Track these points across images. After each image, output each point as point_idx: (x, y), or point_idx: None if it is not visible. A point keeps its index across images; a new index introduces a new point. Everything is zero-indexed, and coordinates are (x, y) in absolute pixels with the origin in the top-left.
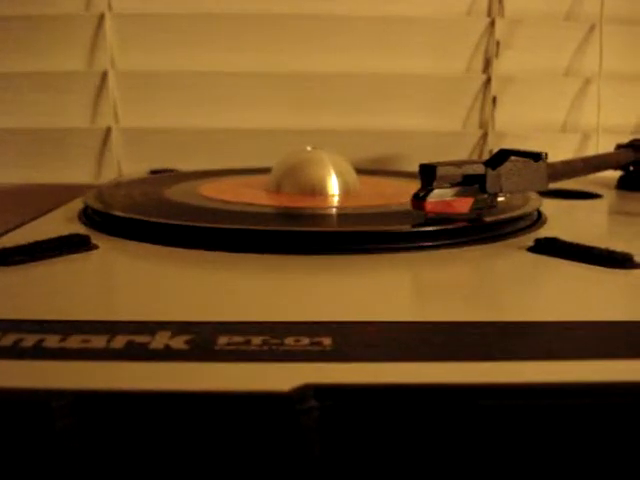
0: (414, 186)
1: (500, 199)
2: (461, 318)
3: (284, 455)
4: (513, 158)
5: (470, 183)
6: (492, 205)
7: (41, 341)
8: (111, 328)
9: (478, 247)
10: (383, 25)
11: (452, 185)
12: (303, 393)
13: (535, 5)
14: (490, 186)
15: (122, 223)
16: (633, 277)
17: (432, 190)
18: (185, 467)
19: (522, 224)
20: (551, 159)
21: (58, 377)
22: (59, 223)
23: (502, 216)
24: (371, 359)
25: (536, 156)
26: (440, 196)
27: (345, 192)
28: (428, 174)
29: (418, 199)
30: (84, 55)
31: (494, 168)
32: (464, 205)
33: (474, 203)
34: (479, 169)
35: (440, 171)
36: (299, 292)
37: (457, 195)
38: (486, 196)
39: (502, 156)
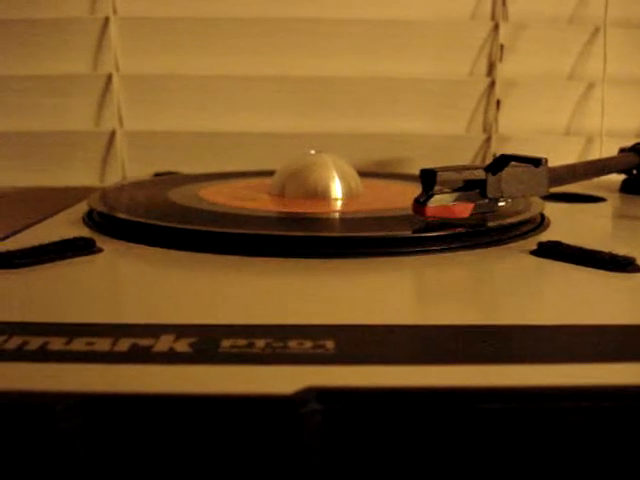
0: (417, 189)
1: (501, 204)
2: (464, 321)
3: (287, 458)
4: (513, 163)
5: (471, 188)
6: (492, 210)
7: (46, 344)
8: (115, 331)
9: (481, 251)
10: (387, 29)
11: (453, 190)
12: (306, 396)
13: (539, 8)
14: (491, 191)
15: (126, 226)
16: (635, 281)
17: (433, 195)
18: (188, 469)
19: (525, 228)
20: (554, 162)
21: (62, 380)
22: (64, 226)
23: (505, 220)
24: (374, 362)
25: (536, 162)
26: (441, 201)
27: (348, 195)
28: (429, 179)
29: (419, 204)
30: (89, 58)
31: (494, 173)
32: (465, 210)
33: (475, 208)
34: (480, 174)
35: (441, 176)
36: (302, 295)
37: (458, 200)
38: (487, 201)
39: (502, 161)
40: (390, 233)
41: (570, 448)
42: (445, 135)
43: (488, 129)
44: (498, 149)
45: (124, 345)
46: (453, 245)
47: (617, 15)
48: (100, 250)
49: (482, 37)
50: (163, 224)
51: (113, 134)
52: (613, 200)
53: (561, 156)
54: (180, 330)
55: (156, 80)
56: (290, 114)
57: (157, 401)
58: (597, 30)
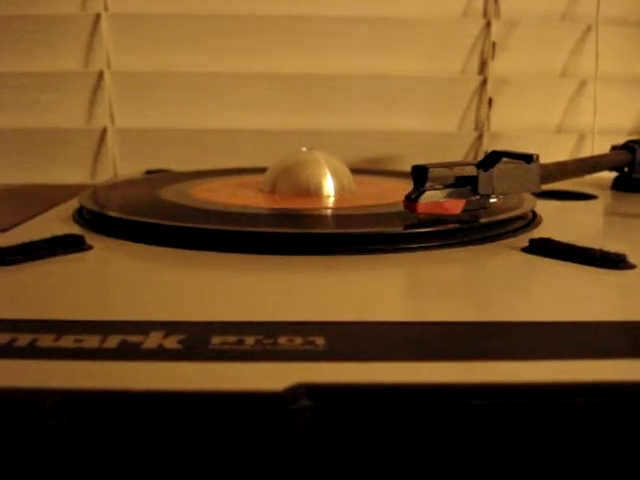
0: (409, 186)
1: (492, 200)
2: (454, 318)
3: (277, 455)
4: (505, 160)
5: (462, 185)
6: (484, 206)
7: (35, 340)
8: (104, 328)
9: (472, 247)
10: (379, 26)
11: (444, 186)
12: (296, 393)
13: (531, 6)
14: (482, 188)
15: (116, 223)
16: (626, 278)
17: (424, 191)
18: (178, 466)
19: (517, 225)
20: (546, 160)
21: (51, 376)
22: (54, 223)
23: (497, 217)
24: (364, 359)
25: (528, 158)
26: (432, 197)
27: (340, 193)
28: (420, 175)
29: (410, 200)
30: (80, 55)
31: (486, 170)
32: (456, 206)
33: (466, 204)
34: (471, 171)
35: (432, 173)
36: (292, 292)
37: (449, 196)
38: (478, 197)
39: (494, 158)
40: (381, 230)
41: (562, 444)
42: (437, 132)
43: (480, 127)
44: (490, 147)
45: (113, 342)
46: (444, 242)
47: (609, 13)
48: (90, 247)
49: (474, 35)
50: (153, 221)
51: (104, 131)
52: (604, 197)
53: (553, 153)
54: (170, 327)
55: (147, 77)
56: (282, 111)
57: (146, 398)
58: (589, 28)
